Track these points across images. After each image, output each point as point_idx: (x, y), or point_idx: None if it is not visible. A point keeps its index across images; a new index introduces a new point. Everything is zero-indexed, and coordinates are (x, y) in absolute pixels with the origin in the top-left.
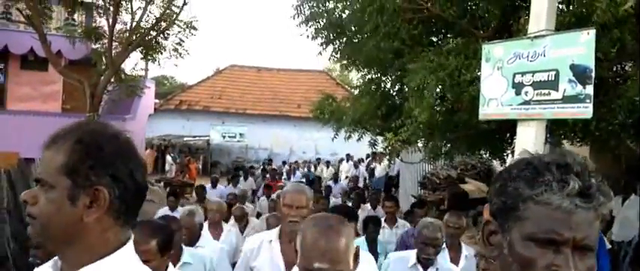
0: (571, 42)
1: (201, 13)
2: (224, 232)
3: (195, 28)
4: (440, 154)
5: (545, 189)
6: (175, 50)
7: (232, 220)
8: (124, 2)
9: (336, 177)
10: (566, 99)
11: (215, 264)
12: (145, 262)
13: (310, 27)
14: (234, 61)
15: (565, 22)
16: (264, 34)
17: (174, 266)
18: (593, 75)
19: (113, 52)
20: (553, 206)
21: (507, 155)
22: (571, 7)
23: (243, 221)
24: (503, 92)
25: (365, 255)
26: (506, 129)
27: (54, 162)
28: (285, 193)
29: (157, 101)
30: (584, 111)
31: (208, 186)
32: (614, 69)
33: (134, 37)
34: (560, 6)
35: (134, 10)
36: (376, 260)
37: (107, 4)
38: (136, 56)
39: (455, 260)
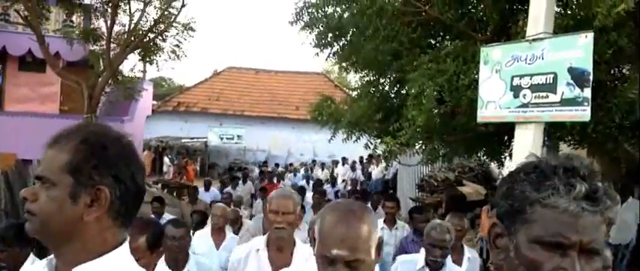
0: (569, 45)
1: (199, 14)
2: (227, 239)
3: (193, 30)
4: (438, 157)
5: (552, 193)
6: (173, 52)
7: (243, 229)
8: (122, 4)
9: (334, 180)
10: (564, 102)
11: None
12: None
13: (310, 33)
14: (232, 62)
15: (563, 25)
16: (262, 35)
17: None
18: (591, 78)
19: (111, 53)
20: (560, 209)
21: (505, 158)
22: (569, 11)
23: (237, 224)
24: (501, 95)
25: None
26: (504, 131)
27: (57, 160)
28: (270, 198)
29: (154, 102)
30: (582, 114)
31: (201, 189)
32: (612, 72)
33: (132, 39)
34: (558, 9)
35: (132, 11)
36: None
37: (105, 6)
38: (133, 58)
39: (457, 262)
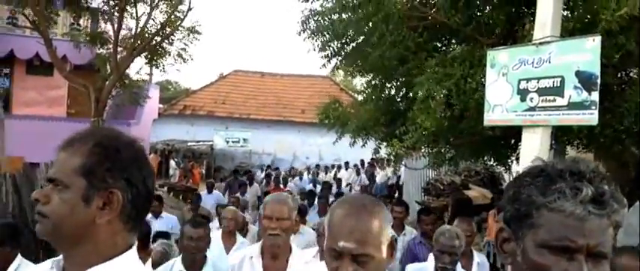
0: (576, 48)
1: (205, 18)
2: (237, 244)
3: (199, 33)
4: (444, 160)
5: (559, 196)
6: (179, 55)
7: (249, 235)
8: (128, 8)
9: (338, 183)
10: (572, 106)
11: None
12: None
13: (316, 40)
14: (238, 66)
15: (570, 29)
16: (267, 39)
17: None
18: (598, 81)
19: (118, 57)
20: (566, 213)
21: (512, 161)
22: (576, 14)
23: (243, 230)
24: (508, 98)
25: None
26: (511, 135)
27: (70, 163)
28: (265, 204)
29: (161, 106)
30: (590, 117)
31: (204, 192)
32: (619, 75)
33: (139, 43)
34: (565, 12)
35: (139, 15)
36: None
37: (112, 10)
38: (140, 61)
39: (467, 267)
